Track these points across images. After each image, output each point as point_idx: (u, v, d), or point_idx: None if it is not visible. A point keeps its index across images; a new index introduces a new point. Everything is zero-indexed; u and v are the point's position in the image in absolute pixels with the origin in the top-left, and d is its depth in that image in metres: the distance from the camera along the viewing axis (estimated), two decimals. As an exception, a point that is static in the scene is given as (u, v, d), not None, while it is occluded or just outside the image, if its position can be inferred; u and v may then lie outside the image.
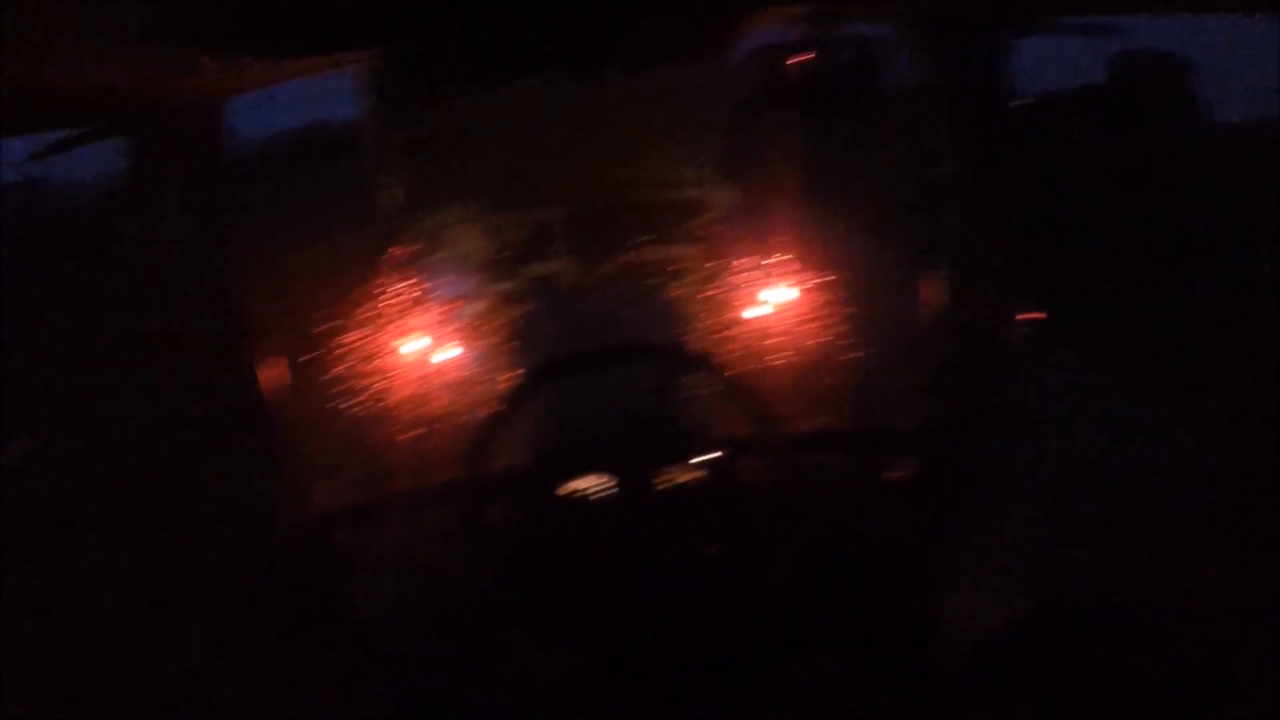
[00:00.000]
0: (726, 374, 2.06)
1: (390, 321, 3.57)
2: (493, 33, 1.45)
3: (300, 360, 2.40)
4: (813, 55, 1.69)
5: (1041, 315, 1.80)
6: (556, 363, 1.98)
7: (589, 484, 1.94)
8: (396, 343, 3.27)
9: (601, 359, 2.01)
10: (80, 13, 0.94)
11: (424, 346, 3.84)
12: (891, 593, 2.24)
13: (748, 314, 3.94)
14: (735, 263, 4.50)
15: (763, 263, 4.40)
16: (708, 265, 4.15)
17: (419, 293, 4.14)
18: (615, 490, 1.95)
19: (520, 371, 2.73)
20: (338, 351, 2.84)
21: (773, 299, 4.07)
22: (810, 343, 3.54)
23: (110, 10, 1.00)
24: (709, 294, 3.93)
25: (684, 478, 1.94)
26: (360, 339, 3.11)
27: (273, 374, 2.04)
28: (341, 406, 2.84)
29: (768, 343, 3.48)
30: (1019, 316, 1.82)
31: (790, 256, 3.97)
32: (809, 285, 3.78)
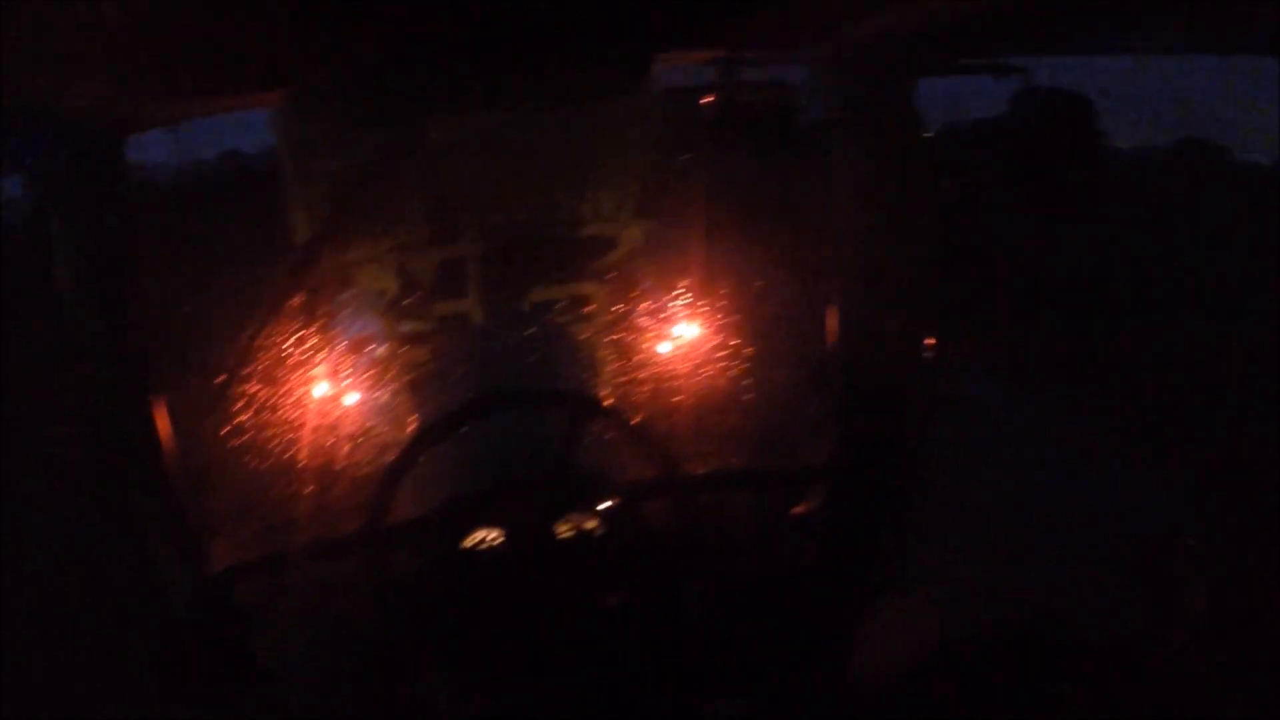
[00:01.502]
0: (630, 418, 2.08)
1: (295, 365, 3.51)
2: (405, 70, 1.46)
3: (202, 406, 2.35)
4: (720, 97, 1.73)
5: (944, 342, 1.87)
6: (459, 411, 1.97)
7: (491, 534, 1.94)
8: (301, 388, 3.21)
9: (503, 406, 2.00)
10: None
11: (330, 391, 3.77)
12: (804, 628, 2.27)
13: (654, 352, 3.99)
14: (644, 300, 4.55)
15: (671, 300, 4.46)
16: (617, 303, 4.19)
17: (325, 333, 4.07)
18: (518, 540, 1.94)
19: (423, 419, 2.70)
20: (241, 398, 2.78)
21: (680, 336, 4.13)
22: (715, 382, 3.60)
23: (31, 44, 0.98)
24: (618, 332, 3.97)
25: (587, 525, 1.95)
26: (264, 384, 3.05)
27: (173, 421, 1.99)
28: (244, 456, 2.78)
29: (673, 383, 3.53)
30: (926, 342, 1.87)
31: (698, 293, 4.04)
32: (716, 322, 3.85)
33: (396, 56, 1.36)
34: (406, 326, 4.60)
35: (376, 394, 3.72)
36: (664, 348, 4.27)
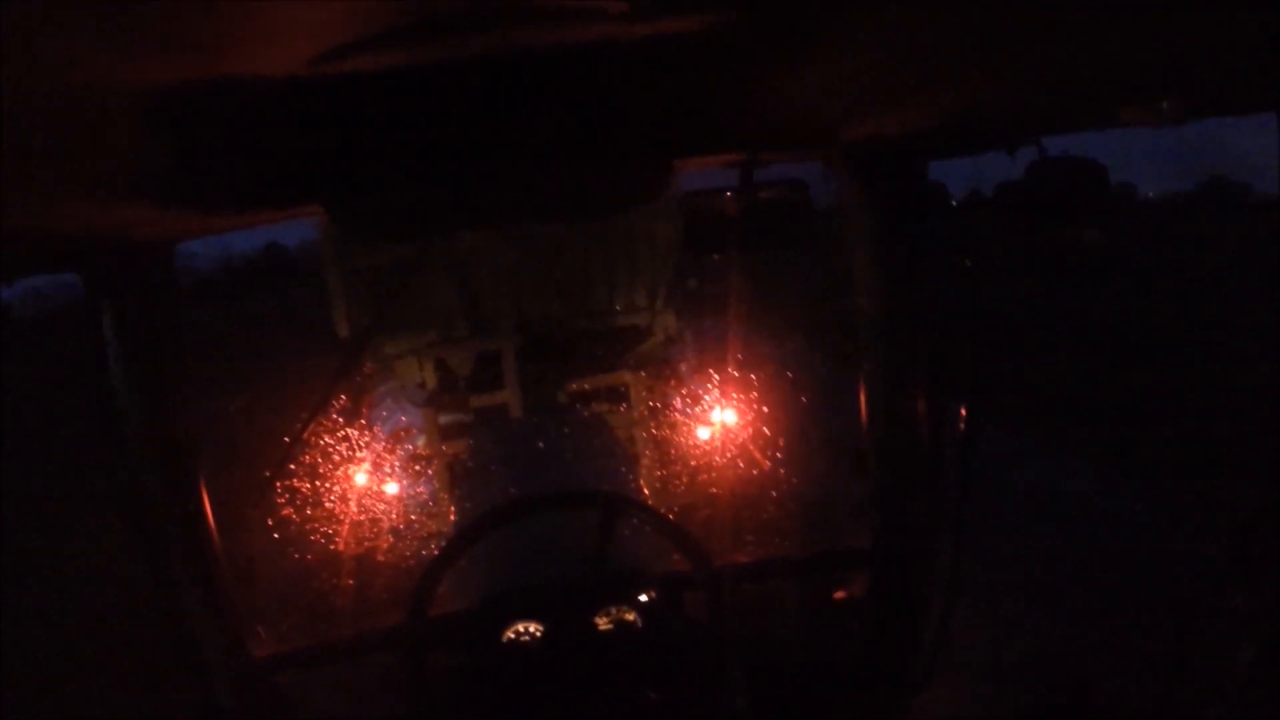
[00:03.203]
0: (665, 513, 2.09)
1: (339, 459, 3.58)
2: (435, 189, 1.54)
3: (249, 497, 2.41)
4: (739, 195, 1.80)
5: (976, 410, 1.87)
6: (498, 512, 1.99)
7: (531, 626, 1.93)
8: (345, 481, 3.27)
9: (540, 508, 2.02)
10: (55, 169, 1.00)
11: (371, 483, 3.82)
12: (849, 714, 2.22)
13: (690, 442, 4.01)
14: (679, 390, 4.59)
15: (706, 390, 4.50)
16: (652, 392, 4.23)
17: (368, 426, 4.15)
18: (557, 633, 1.94)
19: (463, 512, 2.72)
20: (286, 491, 2.84)
21: (715, 423, 4.15)
22: (752, 470, 3.61)
23: (81, 168, 1.06)
24: (653, 422, 4.00)
25: (626, 618, 1.93)
26: (309, 478, 3.11)
27: (221, 511, 2.05)
28: (289, 547, 2.82)
29: (710, 473, 3.54)
30: (959, 413, 1.87)
31: (732, 382, 4.07)
32: (751, 409, 3.87)
33: (426, 177, 1.45)
34: (446, 418, 4.67)
35: (417, 487, 3.77)
36: (701, 434, 4.29)
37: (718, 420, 3.82)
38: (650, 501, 3.34)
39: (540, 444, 3.54)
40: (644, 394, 4.08)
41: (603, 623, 1.90)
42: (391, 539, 3.12)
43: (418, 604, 1.85)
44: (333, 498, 3.12)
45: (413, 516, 3.27)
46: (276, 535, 2.82)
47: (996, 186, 1.67)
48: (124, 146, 1.05)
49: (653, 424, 3.95)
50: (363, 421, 3.79)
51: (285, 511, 2.84)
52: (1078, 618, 3.55)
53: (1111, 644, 3.13)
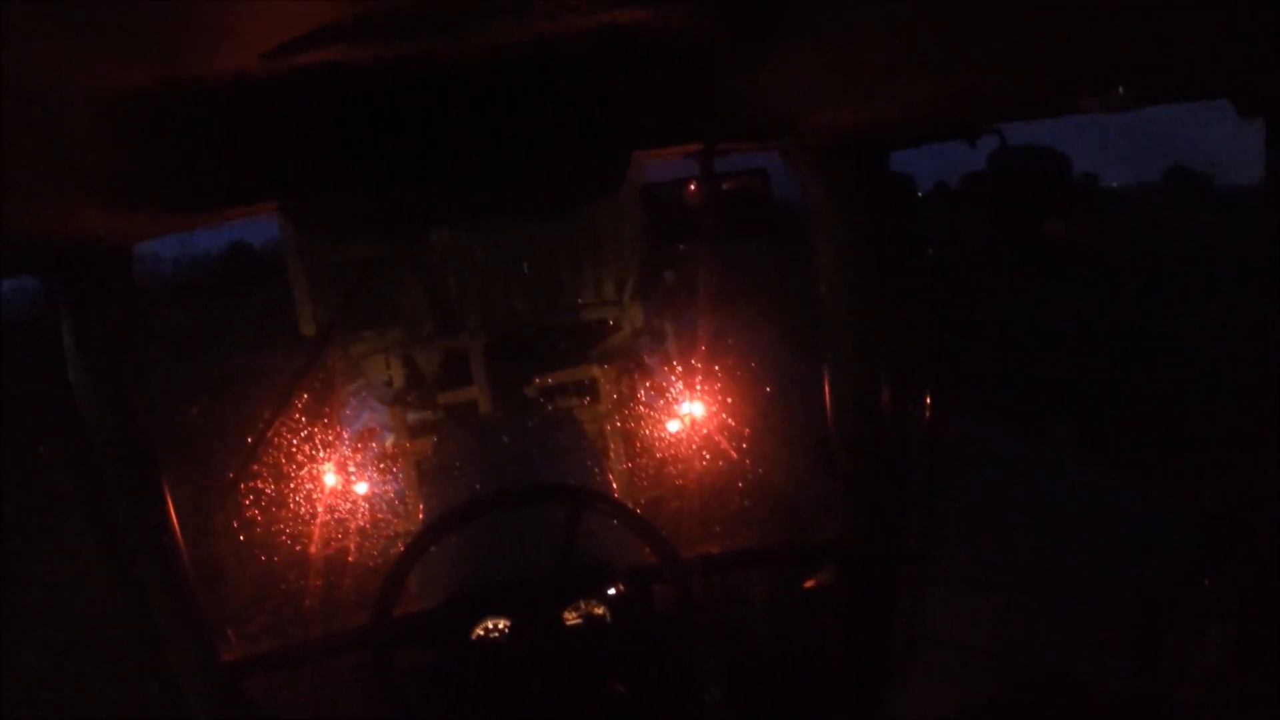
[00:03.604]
0: (634, 506, 2.09)
1: (304, 459, 3.54)
2: (395, 186, 1.52)
3: (214, 500, 2.38)
4: (700, 186, 1.78)
5: (941, 398, 1.87)
6: (463, 509, 1.97)
7: (499, 623, 1.92)
8: (310, 482, 3.23)
9: (507, 504, 2.00)
10: (10, 171, 0.98)
11: (338, 483, 3.78)
12: (821, 706, 2.23)
13: (658, 434, 4.00)
14: (646, 382, 4.59)
15: (672, 382, 4.50)
16: (620, 385, 4.22)
17: (333, 425, 4.11)
18: (526, 628, 1.92)
19: (430, 510, 2.69)
20: (251, 492, 2.81)
21: (683, 415, 4.16)
22: (720, 461, 3.61)
23: (38, 170, 1.05)
24: (621, 414, 3.99)
25: (595, 611, 1.93)
26: (274, 479, 3.07)
27: (186, 514, 2.01)
28: (255, 549, 2.79)
29: (678, 465, 3.53)
30: (925, 402, 1.88)
31: (699, 374, 4.07)
32: (718, 401, 3.88)
33: (382, 173, 1.43)
34: (413, 416, 4.63)
35: (385, 485, 3.74)
36: (670, 426, 4.29)
37: (685, 412, 3.83)
38: (618, 494, 3.34)
39: (508, 439, 3.52)
40: (611, 388, 4.08)
41: (571, 617, 1.89)
42: (359, 538, 3.10)
43: (383, 603, 1.83)
44: (299, 498, 3.09)
45: (380, 515, 3.25)
46: (243, 538, 2.78)
47: (961, 178, 1.68)
48: (80, 147, 1.03)
49: (619, 417, 3.94)
50: (328, 421, 3.75)
51: (251, 513, 2.81)
52: (1050, 606, 3.59)
53: (1084, 632, 3.17)
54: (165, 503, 1.83)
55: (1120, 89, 1.18)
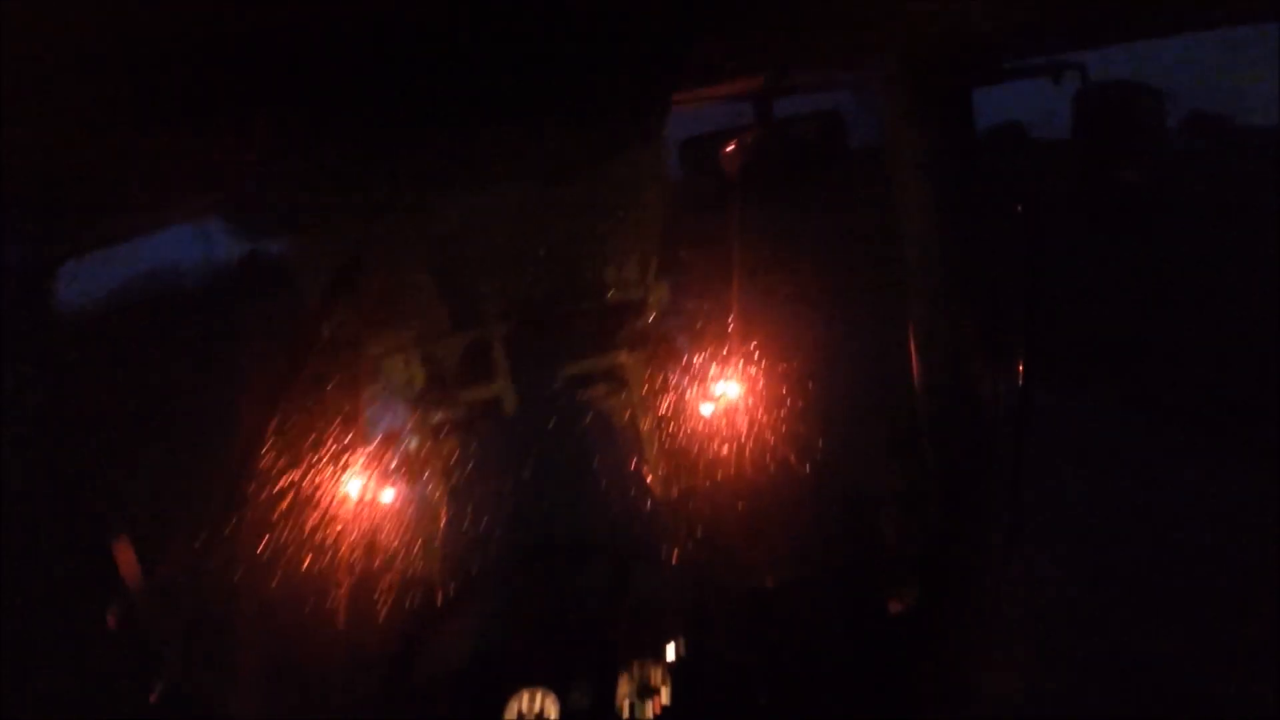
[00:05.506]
0: (682, 547, 1.79)
1: (322, 471, 3.28)
2: (393, 150, 1.27)
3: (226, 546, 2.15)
4: (752, 136, 1.52)
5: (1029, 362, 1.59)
6: (497, 565, 1.70)
7: (539, 699, 1.62)
8: (332, 511, 2.96)
9: (545, 558, 1.71)
10: None
11: (362, 494, 3.52)
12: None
13: (698, 428, 3.68)
14: (680, 363, 4.27)
15: (710, 359, 4.17)
16: (650, 372, 3.93)
17: (354, 434, 3.86)
18: (574, 711, 1.61)
19: (457, 522, 2.46)
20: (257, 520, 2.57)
21: (725, 403, 3.84)
22: (770, 455, 3.26)
23: None
24: (656, 405, 3.71)
25: (651, 677, 1.62)
26: (292, 501, 2.83)
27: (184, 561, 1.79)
28: (278, 605, 2.52)
29: (726, 468, 3.19)
30: (1016, 369, 1.59)
31: (741, 347, 3.75)
32: (767, 383, 3.53)
33: (383, 138, 1.17)
34: (436, 417, 4.40)
35: (410, 495, 3.50)
36: (706, 413, 3.97)
37: (729, 399, 3.52)
38: (658, 493, 3.08)
39: (537, 436, 3.27)
40: (642, 375, 3.81)
41: (624, 691, 1.58)
42: (379, 562, 2.83)
43: (397, 673, 1.57)
44: (320, 519, 2.84)
45: (406, 534, 2.99)
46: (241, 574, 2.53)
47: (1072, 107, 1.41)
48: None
49: (654, 407, 3.66)
50: (347, 427, 3.51)
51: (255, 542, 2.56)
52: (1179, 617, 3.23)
53: (1209, 637, 2.86)
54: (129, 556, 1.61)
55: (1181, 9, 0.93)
